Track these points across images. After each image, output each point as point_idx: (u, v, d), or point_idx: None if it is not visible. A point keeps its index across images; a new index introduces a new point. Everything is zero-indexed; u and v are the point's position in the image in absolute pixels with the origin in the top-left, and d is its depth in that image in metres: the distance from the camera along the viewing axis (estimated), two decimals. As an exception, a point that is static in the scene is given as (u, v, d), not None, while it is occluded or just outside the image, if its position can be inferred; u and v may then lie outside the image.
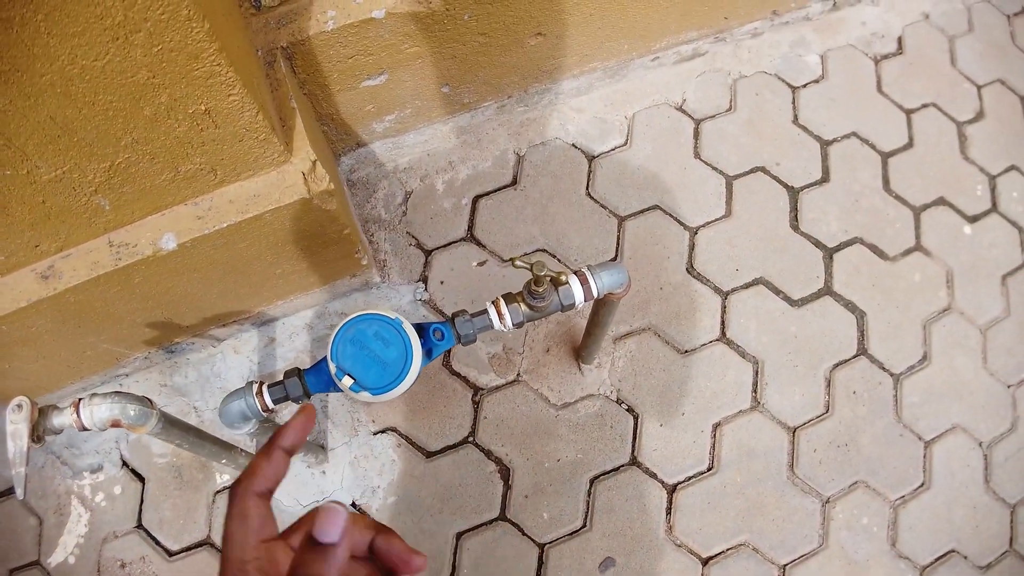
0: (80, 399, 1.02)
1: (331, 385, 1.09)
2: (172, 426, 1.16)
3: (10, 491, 1.65)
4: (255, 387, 1.11)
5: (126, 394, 1.06)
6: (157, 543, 1.56)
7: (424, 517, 1.51)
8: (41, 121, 0.96)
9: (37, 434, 0.99)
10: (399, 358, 1.03)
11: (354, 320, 1.06)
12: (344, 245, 1.40)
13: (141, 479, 1.60)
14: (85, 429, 1.03)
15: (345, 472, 1.54)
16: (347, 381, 1.00)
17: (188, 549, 1.55)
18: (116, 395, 1.04)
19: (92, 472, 1.62)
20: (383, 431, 1.56)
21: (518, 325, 1.13)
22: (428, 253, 1.64)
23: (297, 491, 1.54)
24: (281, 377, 1.10)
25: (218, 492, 1.57)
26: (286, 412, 1.56)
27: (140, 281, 1.27)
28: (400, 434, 1.55)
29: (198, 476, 1.58)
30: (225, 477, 1.57)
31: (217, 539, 1.54)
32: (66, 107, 0.95)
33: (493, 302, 1.13)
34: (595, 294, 1.13)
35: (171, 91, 0.99)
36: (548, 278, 1.08)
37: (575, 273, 1.13)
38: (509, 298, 1.13)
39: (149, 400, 1.08)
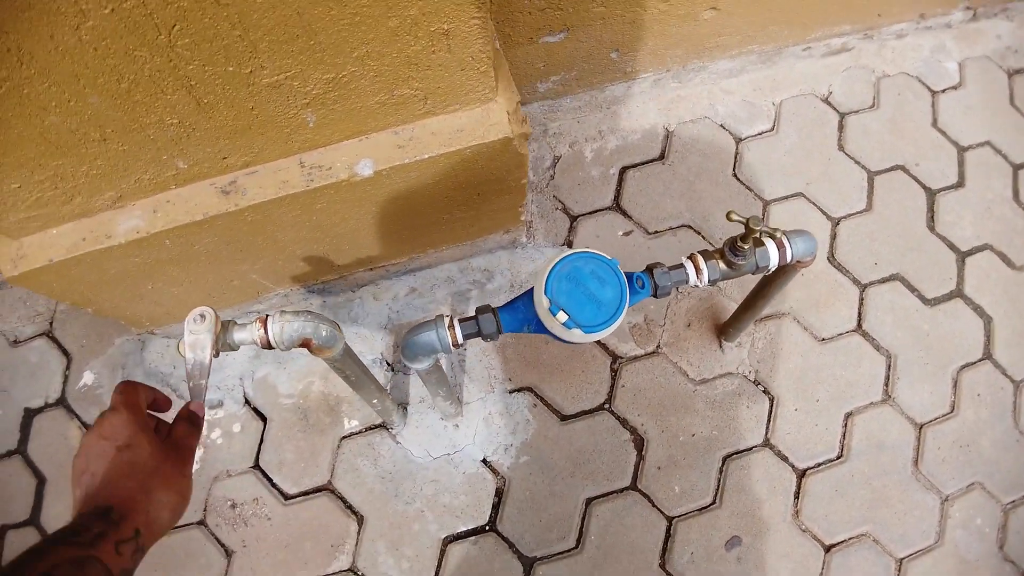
0: (267, 315, 0.89)
1: (526, 325, 0.98)
2: (348, 357, 1.05)
3: (112, 420, 1.50)
4: (447, 320, 0.99)
5: (318, 314, 0.94)
6: (273, 485, 1.43)
7: (556, 479, 1.39)
8: (287, 16, 0.84)
9: (216, 348, 0.87)
10: (614, 298, 0.92)
11: (571, 257, 0.94)
12: (516, 195, 1.28)
13: (263, 419, 1.46)
14: (269, 347, 0.91)
15: (478, 428, 1.42)
16: (562, 316, 0.89)
17: (307, 493, 1.42)
18: (309, 314, 0.92)
19: (211, 408, 1.49)
20: (519, 390, 1.44)
21: (712, 282, 1.03)
22: (574, 219, 1.52)
23: (429, 442, 1.42)
24: (460, 316, 0.99)
25: (344, 438, 1.44)
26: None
27: (321, 208, 1.14)
28: (536, 394, 1.43)
29: (325, 420, 1.45)
30: (354, 423, 1.44)
31: (340, 485, 1.42)
32: (318, 3, 0.83)
33: (690, 257, 1.03)
34: (788, 259, 1.04)
35: (424, 4, 0.87)
36: (756, 235, 0.98)
37: (771, 238, 1.04)
38: (707, 254, 1.03)
39: (338, 325, 0.96)
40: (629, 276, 1.00)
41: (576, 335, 0.92)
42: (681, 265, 1.03)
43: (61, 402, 1.53)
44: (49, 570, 0.43)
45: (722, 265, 1.03)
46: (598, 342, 1.44)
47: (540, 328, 0.97)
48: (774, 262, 1.03)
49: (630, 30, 1.36)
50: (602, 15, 1.30)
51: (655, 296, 1.02)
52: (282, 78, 0.92)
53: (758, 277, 1.32)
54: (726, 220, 1.51)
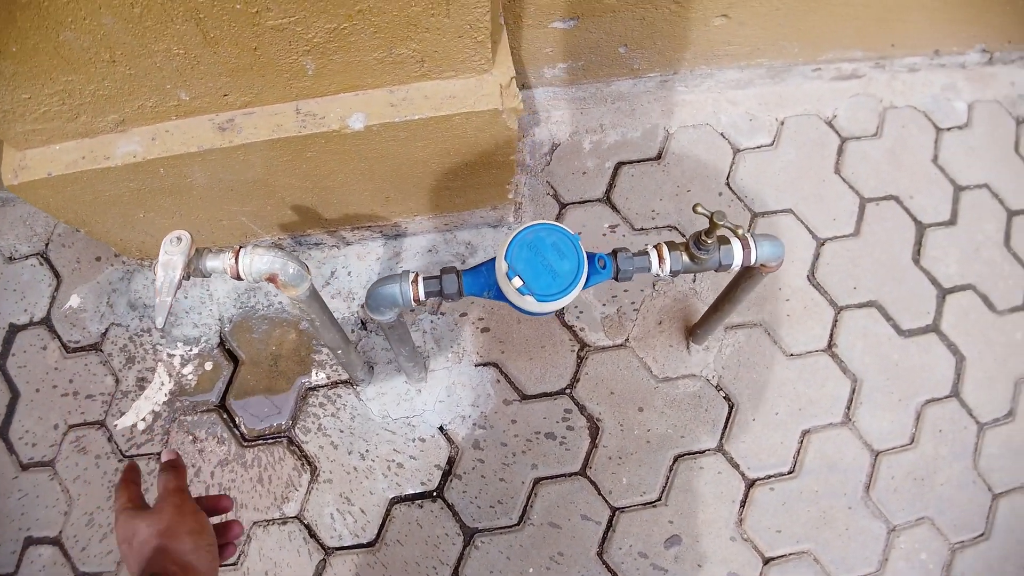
0: (241, 246, 0.96)
1: (486, 290, 1.04)
2: (315, 300, 1.11)
3: (92, 347, 1.59)
4: (411, 276, 1.05)
5: (289, 253, 1.01)
6: (235, 426, 1.51)
7: (508, 455, 1.46)
8: (294, -37, 0.91)
9: (188, 271, 0.94)
10: (571, 271, 0.98)
11: (535, 227, 1.00)
12: (504, 171, 1.35)
13: (235, 360, 1.54)
14: (238, 278, 0.98)
15: (440, 395, 1.48)
16: (517, 282, 0.95)
17: (265, 438, 1.49)
18: (279, 251, 0.99)
19: (186, 344, 1.57)
20: (486, 364, 1.50)
21: (675, 273, 1.08)
22: (563, 206, 1.58)
23: (391, 403, 1.48)
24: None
25: (310, 389, 1.51)
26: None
27: (312, 156, 1.22)
28: (501, 371, 1.50)
29: (294, 368, 1.52)
30: (321, 375, 1.52)
31: (299, 434, 1.49)
32: (325, -46, 0.90)
33: (655, 246, 1.08)
34: (752, 261, 1.08)
35: (425, -34, 0.94)
36: (719, 230, 1.03)
37: (739, 237, 1.09)
38: (672, 245, 1.08)
39: (307, 266, 1.03)
40: (591, 256, 1.06)
41: (529, 302, 0.97)
42: (646, 252, 1.08)
43: (45, 321, 1.62)
44: None
45: (685, 257, 1.08)
46: (568, 327, 1.51)
47: (499, 295, 1.03)
48: (737, 261, 1.07)
49: (639, 27, 1.43)
50: (612, 7, 1.37)
51: (616, 279, 1.07)
52: (286, 22, 0.99)
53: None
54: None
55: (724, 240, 1.07)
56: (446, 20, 1.03)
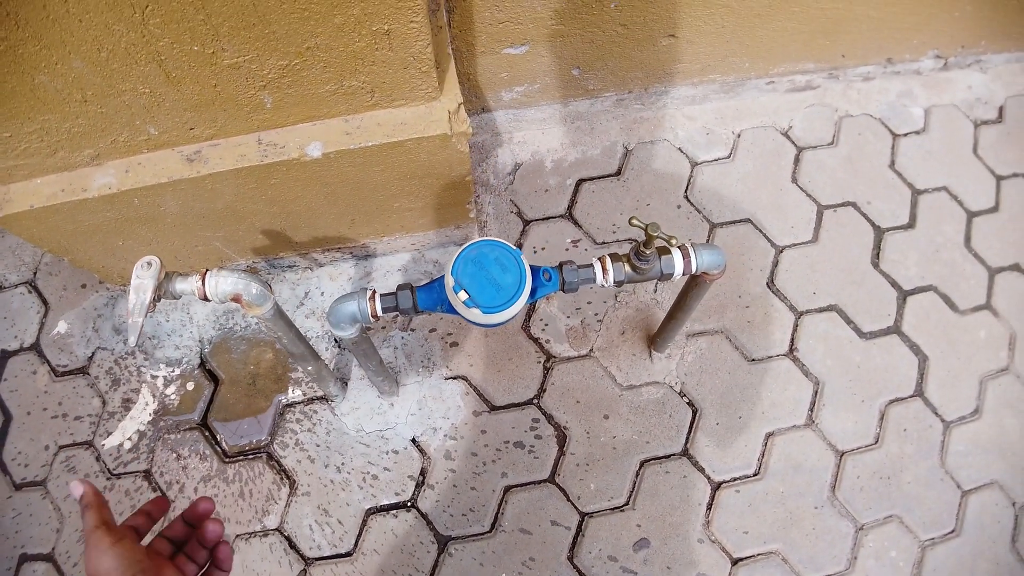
0: (207, 270, 1.05)
1: (439, 304, 1.11)
2: (280, 318, 1.19)
3: (79, 370, 1.68)
4: (368, 292, 1.13)
5: (252, 275, 1.09)
6: (216, 443, 1.59)
7: (478, 465, 1.53)
8: (243, 6, 1.00)
9: (158, 294, 1.02)
10: (513, 284, 1.05)
11: (479, 243, 1.08)
12: (461, 191, 1.43)
13: (216, 380, 1.62)
14: (206, 299, 1.06)
15: (412, 408, 1.56)
16: (463, 296, 1.02)
17: (245, 454, 1.57)
18: (243, 273, 1.08)
19: (168, 365, 1.65)
20: (455, 377, 1.58)
21: (619, 283, 1.15)
22: (527, 223, 1.66)
23: (364, 417, 1.56)
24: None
25: (287, 405, 1.59)
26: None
27: (276, 183, 1.30)
28: (470, 383, 1.57)
29: (272, 386, 1.60)
30: (297, 392, 1.59)
31: (277, 449, 1.57)
32: (271, -2, 1.00)
33: (599, 258, 1.15)
34: (693, 269, 1.14)
35: (365, 5, 1.03)
36: (657, 241, 1.10)
37: (678, 247, 1.15)
38: (615, 257, 1.14)
39: (270, 286, 1.11)
40: (537, 269, 1.14)
41: (475, 315, 1.05)
42: (590, 264, 1.16)
43: (34, 347, 1.71)
44: None
45: (628, 268, 1.15)
46: (534, 339, 1.58)
47: (451, 308, 1.11)
48: (679, 270, 1.14)
49: (590, 49, 1.52)
50: (560, 33, 1.46)
51: (563, 291, 1.15)
52: (241, 60, 1.09)
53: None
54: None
55: (664, 251, 1.14)
56: (390, 53, 1.12)
